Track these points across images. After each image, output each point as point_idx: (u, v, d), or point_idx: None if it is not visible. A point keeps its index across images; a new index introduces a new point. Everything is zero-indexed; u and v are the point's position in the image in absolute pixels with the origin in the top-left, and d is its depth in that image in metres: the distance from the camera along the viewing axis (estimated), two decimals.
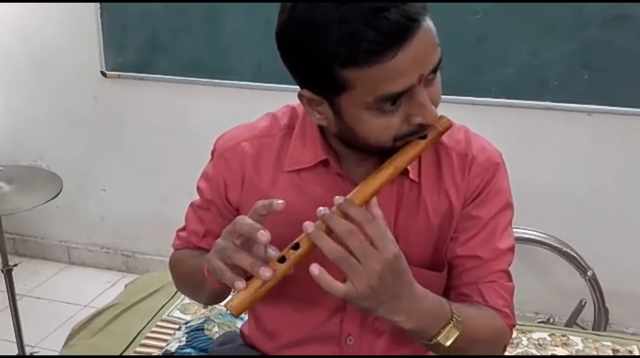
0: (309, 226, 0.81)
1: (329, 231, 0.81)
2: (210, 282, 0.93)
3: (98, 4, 2.60)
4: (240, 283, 0.82)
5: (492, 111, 2.33)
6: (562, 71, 2.23)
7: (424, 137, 0.90)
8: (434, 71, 0.86)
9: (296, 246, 0.83)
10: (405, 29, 0.79)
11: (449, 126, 0.93)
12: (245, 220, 0.84)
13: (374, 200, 0.85)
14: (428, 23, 0.82)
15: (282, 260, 0.83)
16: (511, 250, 1.05)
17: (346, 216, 0.81)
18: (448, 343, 0.88)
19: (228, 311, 0.84)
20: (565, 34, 2.19)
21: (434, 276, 1.03)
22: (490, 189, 1.03)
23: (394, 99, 0.83)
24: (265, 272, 0.80)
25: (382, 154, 0.91)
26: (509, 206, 1.05)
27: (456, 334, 0.88)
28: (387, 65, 0.80)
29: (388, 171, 0.88)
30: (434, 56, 0.84)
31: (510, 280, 1.06)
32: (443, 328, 0.88)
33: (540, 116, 2.31)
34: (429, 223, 1.03)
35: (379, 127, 0.87)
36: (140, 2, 2.55)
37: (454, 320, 0.89)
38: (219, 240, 0.87)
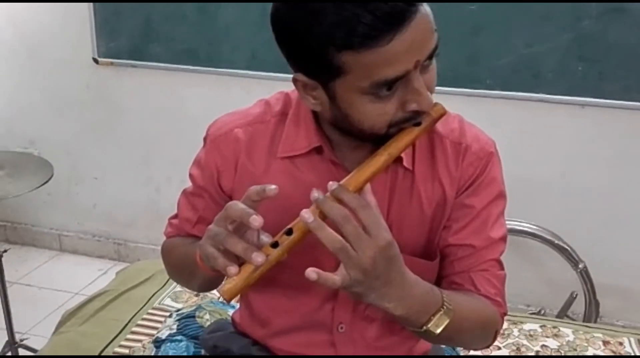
0: (305, 213, 0.80)
1: (323, 216, 0.80)
2: (203, 269, 0.92)
3: None
4: (232, 269, 0.81)
5: (486, 103, 2.33)
6: (556, 63, 2.23)
7: (419, 124, 0.89)
8: (430, 56, 0.85)
9: (289, 232, 0.82)
10: (403, 13, 0.78)
11: (443, 113, 0.93)
12: (237, 205, 0.83)
13: (368, 187, 0.84)
14: (425, 8, 0.81)
15: (275, 245, 0.82)
16: (503, 239, 1.05)
17: (340, 201, 0.81)
18: (438, 330, 0.88)
19: (220, 298, 0.83)
20: (560, 26, 2.18)
21: (426, 264, 1.03)
22: (483, 179, 1.02)
23: (390, 84, 0.83)
24: (258, 257, 0.79)
25: (376, 141, 0.91)
26: (501, 195, 1.05)
27: (446, 321, 0.88)
28: (384, 49, 0.79)
29: (382, 157, 0.88)
30: (430, 42, 0.83)
31: (502, 268, 1.06)
32: (433, 315, 0.88)
33: (535, 108, 2.31)
34: (422, 211, 1.02)
35: (374, 113, 0.86)
36: None
37: (445, 307, 0.89)
38: (211, 226, 0.87)
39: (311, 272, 0.79)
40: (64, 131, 2.93)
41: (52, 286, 2.80)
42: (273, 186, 0.82)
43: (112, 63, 2.70)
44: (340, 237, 0.79)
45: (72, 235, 3.11)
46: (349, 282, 0.80)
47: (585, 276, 2.23)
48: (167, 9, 2.53)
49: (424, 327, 0.88)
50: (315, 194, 0.81)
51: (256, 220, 0.80)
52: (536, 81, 2.27)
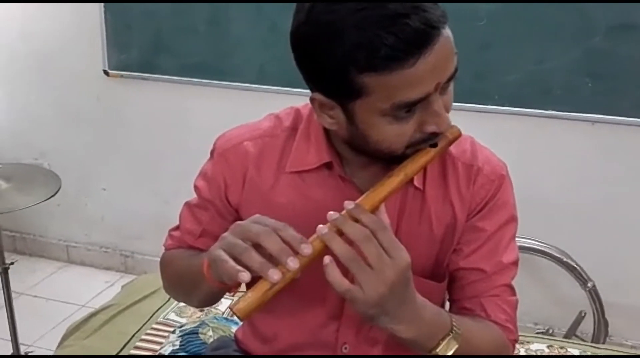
0: (322, 228, 0.79)
1: (339, 235, 0.79)
2: (209, 280, 0.89)
3: (102, 4, 2.59)
4: (245, 275, 0.78)
5: (495, 119, 2.32)
6: (566, 79, 2.21)
7: (435, 145, 0.89)
8: (450, 79, 0.84)
9: None
10: (427, 37, 0.78)
11: (459, 135, 0.92)
12: (273, 236, 0.80)
13: (382, 207, 0.84)
14: (447, 31, 0.81)
15: None
16: (515, 263, 1.04)
17: (356, 221, 0.80)
18: (447, 354, 0.87)
19: (224, 314, 0.81)
20: (569, 42, 2.17)
21: (434, 286, 1.02)
22: (495, 202, 1.02)
23: (410, 106, 0.82)
24: (274, 274, 0.77)
25: (390, 160, 0.90)
26: (513, 219, 1.04)
27: (455, 346, 0.87)
28: (407, 72, 0.78)
29: (398, 178, 0.87)
30: (451, 64, 0.83)
31: (514, 293, 1.04)
32: (442, 339, 0.87)
33: (543, 124, 2.30)
34: (431, 231, 1.01)
35: (393, 133, 0.85)
36: (143, 2, 2.55)
37: (454, 331, 0.88)
38: (226, 234, 0.84)
39: (327, 258, 0.78)
40: (74, 143, 2.95)
41: (59, 297, 2.80)
42: (307, 249, 0.79)
43: (122, 76, 2.72)
44: (352, 249, 0.78)
45: (80, 246, 3.12)
46: (363, 300, 0.78)
47: (594, 295, 2.20)
48: (178, 22, 2.55)
49: (433, 351, 0.87)
50: (333, 214, 0.80)
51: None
52: (545, 98, 2.26)
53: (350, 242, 0.79)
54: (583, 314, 2.27)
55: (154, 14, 2.56)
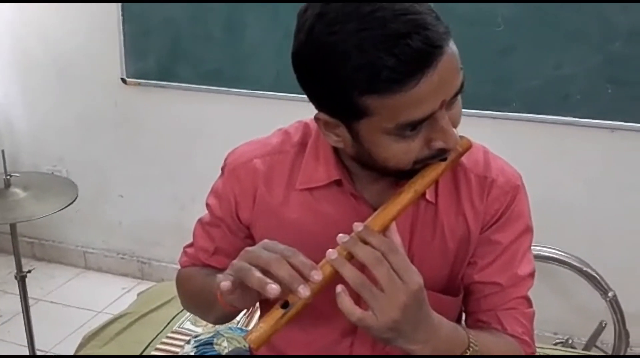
0: (332, 253, 0.78)
1: (349, 258, 0.78)
2: (222, 304, 0.89)
3: (120, 13, 2.61)
4: (274, 286, 0.76)
5: (514, 125, 2.29)
6: (585, 85, 2.18)
7: (444, 159, 0.87)
8: (456, 94, 0.83)
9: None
10: (428, 57, 0.76)
11: (469, 146, 0.90)
12: (279, 263, 0.79)
13: (393, 226, 0.82)
14: (451, 48, 0.78)
15: None
16: (531, 275, 1.02)
17: (365, 243, 0.79)
18: None
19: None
20: (589, 48, 2.14)
21: (449, 300, 1.01)
22: (510, 213, 1.00)
23: (415, 125, 0.81)
24: (306, 291, 0.76)
25: (399, 175, 0.89)
26: (528, 230, 1.02)
27: None
28: (409, 93, 0.76)
29: (408, 195, 0.85)
30: (456, 81, 0.81)
31: (531, 305, 1.02)
32: (460, 356, 0.85)
33: (563, 131, 2.27)
34: (445, 245, 1.00)
35: (399, 151, 0.84)
36: (161, 3, 2.56)
37: (471, 348, 0.86)
38: (236, 261, 0.82)
39: (339, 286, 0.77)
40: (91, 150, 2.97)
41: (76, 304, 2.82)
42: (317, 276, 0.78)
43: (139, 83, 2.74)
44: (363, 275, 0.77)
45: (98, 252, 3.14)
46: (377, 325, 0.77)
47: (614, 305, 2.16)
48: (194, 30, 2.56)
49: None
50: (342, 237, 0.79)
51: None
52: (565, 104, 2.23)
53: (361, 266, 0.78)
54: (604, 324, 2.23)
55: (171, 23, 2.58)
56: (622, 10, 2.07)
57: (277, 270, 0.78)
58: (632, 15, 2.07)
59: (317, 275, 0.77)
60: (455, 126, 0.85)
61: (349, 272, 0.77)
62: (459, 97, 0.86)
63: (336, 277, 0.78)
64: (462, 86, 0.82)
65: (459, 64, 0.81)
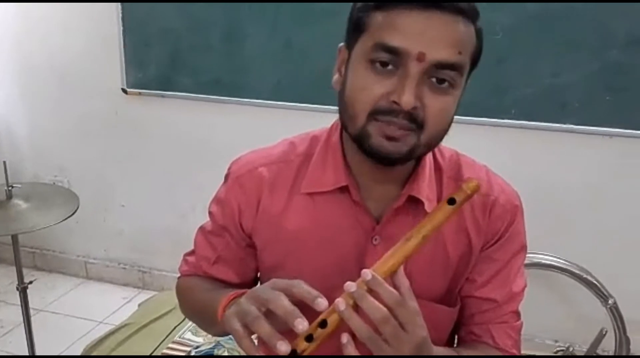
0: (340, 304, 0.78)
1: (357, 306, 0.79)
2: (224, 325, 0.88)
3: (121, 23, 2.63)
4: (282, 343, 0.76)
5: (511, 133, 2.30)
6: (583, 92, 2.19)
7: (453, 202, 0.86)
8: (439, 67, 0.83)
9: (323, 324, 0.80)
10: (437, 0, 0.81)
11: (477, 189, 0.88)
12: (283, 300, 0.79)
13: (401, 270, 0.82)
14: (464, 23, 0.84)
15: (309, 338, 0.79)
16: (523, 290, 1.04)
17: (371, 291, 0.79)
18: None
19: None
20: (586, 56, 2.16)
21: (446, 311, 1.01)
22: (510, 233, 1.01)
23: (388, 52, 0.82)
24: (282, 346, 0.76)
25: (370, 153, 0.88)
26: (523, 248, 1.04)
27: None
28: (400, 16, 0.82)
29: (415, 240, 0.85)
30: (444, 50, 0.82)
31: (519, 318, 1.05)
32: None
33: (561, 138, 2.27)
34: (447, 259, 1.00)
35: (363, 87, 0.85)
36: (161, 14, 2.58)
37: None
38: (242, 300, 0.83)
39: (344, 336, 0.78)
40: (92, 159, 2.98)
41: (77, 314, 2.82)
42: (322, 303, 0.78)
43: (140, 93, 2.75)
44: (369, 327, 0.78)
45: (98, 262, 3.15)
46: None
47: (615, 312, 2.16)
48: (194, 40, 2.58)
49: None
50: (351, 288, 0.79)
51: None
52: (562, 111, 2.24)
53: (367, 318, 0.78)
54: (604, 332, 2.22)
55: (171, 33, 2.60)
56: (619, 18, 2.08)
57: (274, 307, 0.79)
58: (629, 23, 2.08)
59: (322, 304, 0.77)
60: (433, 121, 0.85)
61: (357, 325, 0.78)
62: (449, 100, 0.86)
63: (343, 324, 0.79)
64: (452, 67, 0.83)
65: (456, 41, 0.83)
